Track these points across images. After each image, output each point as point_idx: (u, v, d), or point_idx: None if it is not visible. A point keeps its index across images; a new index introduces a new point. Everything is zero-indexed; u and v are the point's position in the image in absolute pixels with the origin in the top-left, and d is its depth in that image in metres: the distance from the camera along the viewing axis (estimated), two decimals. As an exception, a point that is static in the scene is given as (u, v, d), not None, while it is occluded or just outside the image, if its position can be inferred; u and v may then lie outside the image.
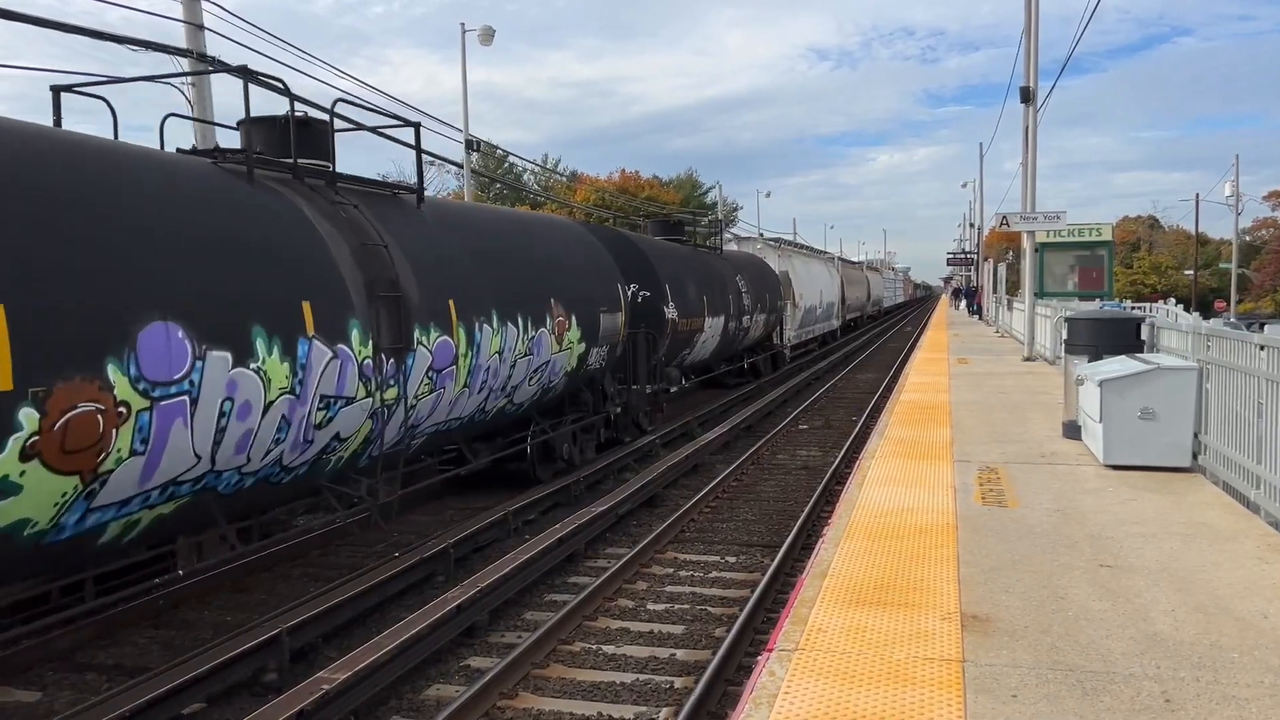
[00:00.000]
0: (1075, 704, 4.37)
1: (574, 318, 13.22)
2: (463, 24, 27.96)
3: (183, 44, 14.26)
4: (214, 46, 14.62)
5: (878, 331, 57.29)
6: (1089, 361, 10.85)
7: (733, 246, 30.56)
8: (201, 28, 14.34)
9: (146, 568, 7.87)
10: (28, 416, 5.59)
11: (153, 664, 7.11)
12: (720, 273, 22.87)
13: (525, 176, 66.76)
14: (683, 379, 20.55)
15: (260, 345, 7.34)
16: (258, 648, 6.98)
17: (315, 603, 7.89)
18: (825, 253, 50.03)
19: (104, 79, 9.32)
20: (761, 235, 36.18)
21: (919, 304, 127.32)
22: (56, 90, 8.72)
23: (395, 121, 11.54)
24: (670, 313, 17.97)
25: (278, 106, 9.94)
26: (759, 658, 5.19)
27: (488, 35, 27.68)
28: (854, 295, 50.48)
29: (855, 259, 75.71)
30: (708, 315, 20.74)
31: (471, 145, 28.33)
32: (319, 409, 8.03)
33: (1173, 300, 35.39)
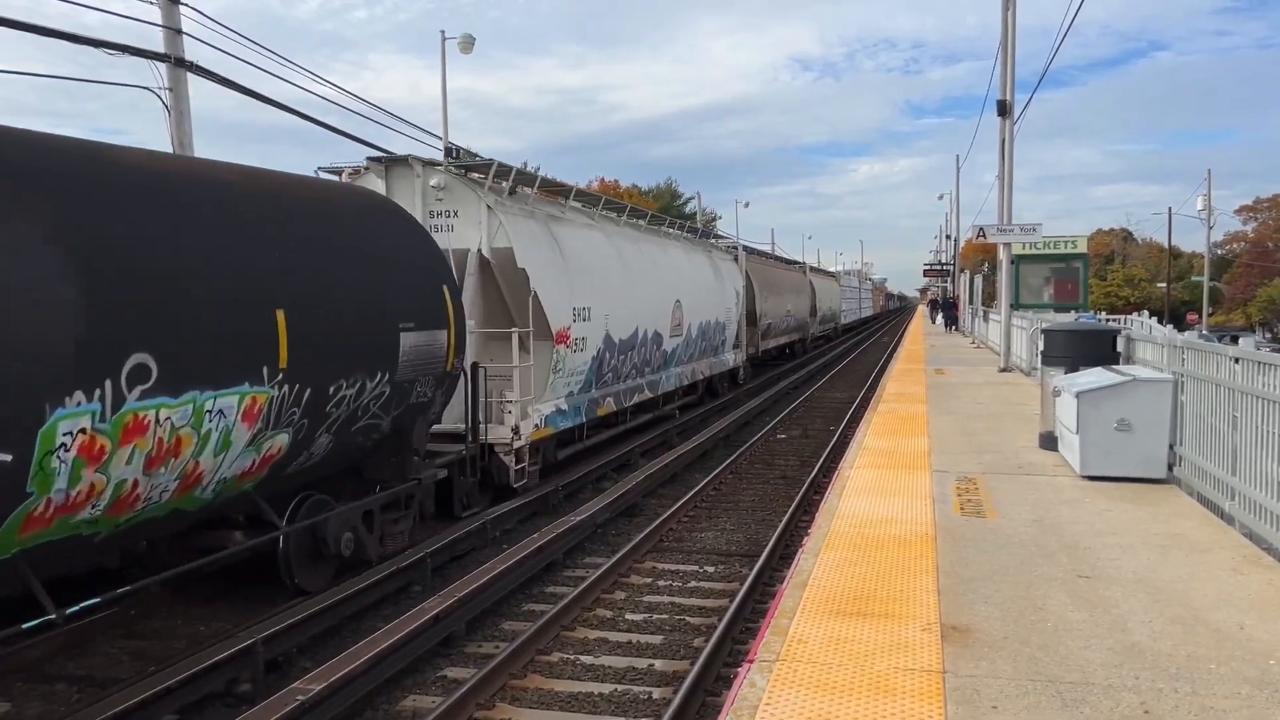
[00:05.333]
0: (1055, 715, 4.37)
1: None
2: (442, 31, 27.82)
3: (160, 48, 14.15)
4: (192, 51, 14.50)
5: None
6: (1066, 373, 10.92)
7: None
8: (179, 32, 14.23)
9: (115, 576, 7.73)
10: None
11: (124, 674, 7.02)
12: None
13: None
14: None
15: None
16: (231, 658, 6.89)
17: (290, 612, 7.80)
18: (720, 238, 30.00)
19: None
20: (449, 162, 12.58)
21: (892, 317, 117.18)
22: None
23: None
24: None
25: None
26: (739, 668, 5.18)
27: (468, 44, 27.61)
28: (779, 310, 33.73)
29: (790, 258, 53.76)
30: None
31: (450, 153, 28.22)
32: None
33: (1146, 313, 35.77)
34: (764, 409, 23.34)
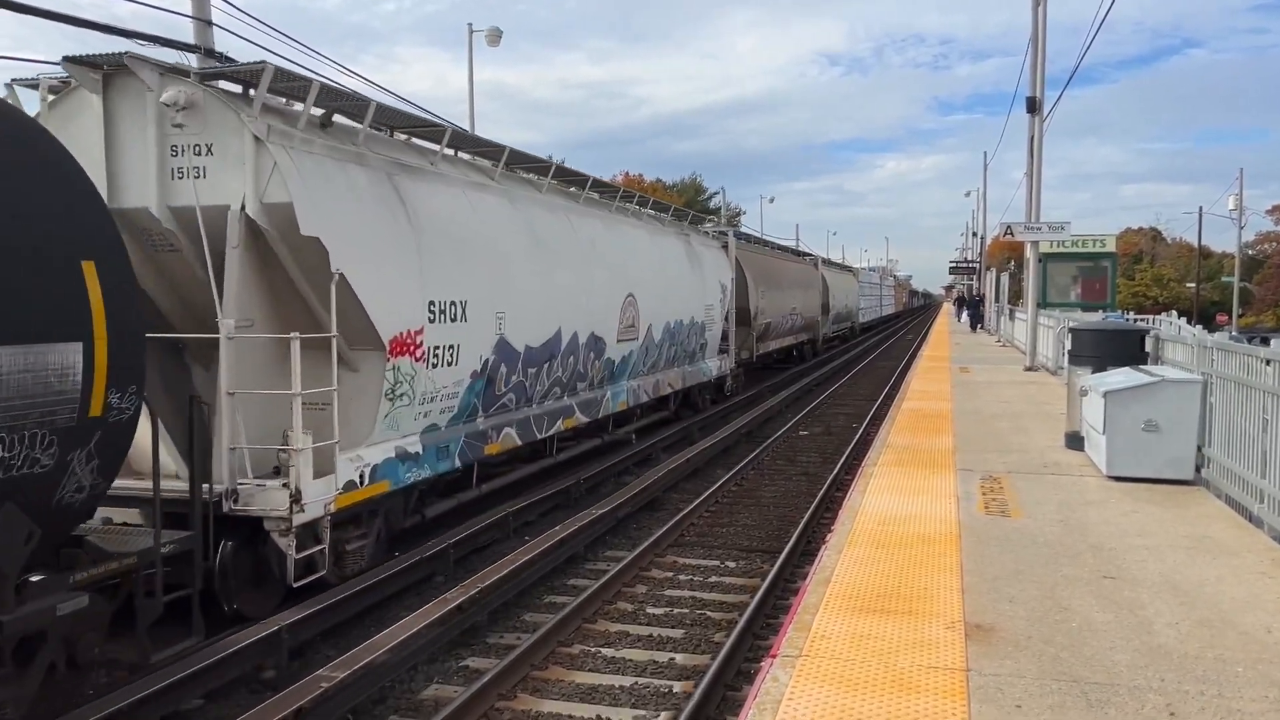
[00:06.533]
0: (1080, 715, 4.35)
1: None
2: (469, 24, 27.91)
3: (190, 39, 14.25)
4: (222, 42, 14.60)
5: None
6: (1093, 372, 10.84)
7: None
8: (210, 24, 14.34)
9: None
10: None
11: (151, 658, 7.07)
12: None
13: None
14: None
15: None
16: (256, 644, 6.96)
17: (314, 600, 7.87)
18: (702, 216, 25.68)
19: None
20: (200, 69, 8.61)
21: (916, 315, 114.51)
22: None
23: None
24: None
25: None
26: (762, 663, 5.18)
27: (495, 36, 27.66)
28: (781, 307, 29.52)
29: (800, 249, 47.40)
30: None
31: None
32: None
33: (1174, 313, 35.41)
34: (786, 405, 23.30)
